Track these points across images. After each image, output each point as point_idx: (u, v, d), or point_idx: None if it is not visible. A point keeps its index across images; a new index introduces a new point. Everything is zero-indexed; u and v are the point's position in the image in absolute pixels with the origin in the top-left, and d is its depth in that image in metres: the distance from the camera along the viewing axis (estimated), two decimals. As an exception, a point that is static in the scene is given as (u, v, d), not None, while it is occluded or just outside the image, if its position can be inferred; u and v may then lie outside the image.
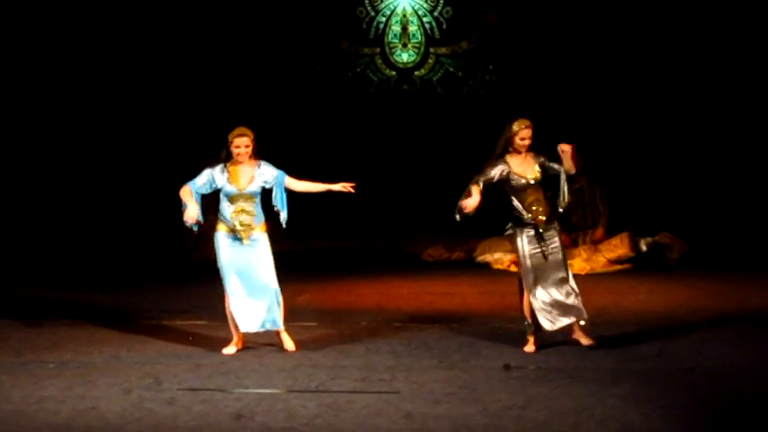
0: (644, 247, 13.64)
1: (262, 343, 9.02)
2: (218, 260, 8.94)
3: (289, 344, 8.94)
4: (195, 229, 8.87)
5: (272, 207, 8.95)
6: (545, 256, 8.67)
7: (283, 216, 8.93)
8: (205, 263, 13.91)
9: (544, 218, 8.69)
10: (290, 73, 16.81)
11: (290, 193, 9.00)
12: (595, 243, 13.60)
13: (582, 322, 8.75)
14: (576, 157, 8.64)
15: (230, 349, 8.85)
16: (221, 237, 8.89)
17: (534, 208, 8.70)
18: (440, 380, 7.67)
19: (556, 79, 16.23)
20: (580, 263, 13.16)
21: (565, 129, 15.17)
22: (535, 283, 8.64)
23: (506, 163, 8.72)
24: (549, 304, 8.62)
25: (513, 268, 13.15)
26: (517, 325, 8.99)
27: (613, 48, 16.02)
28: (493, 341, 8.95)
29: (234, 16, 16.52)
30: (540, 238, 8.69)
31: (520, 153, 8.72)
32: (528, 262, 8.68)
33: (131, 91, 16.26)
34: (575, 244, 13.67)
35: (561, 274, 8.71)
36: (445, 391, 7.36)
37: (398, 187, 16.30)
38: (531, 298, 8.64)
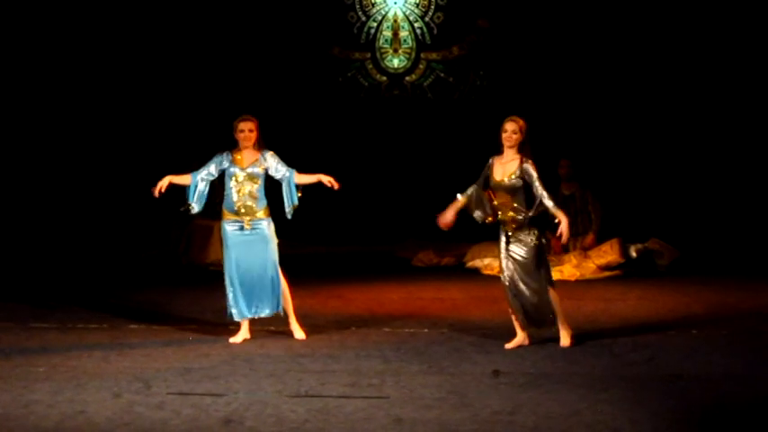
0: (634, 254, 13.64)
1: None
2: (223, 249, 9.28)
3: (298, 333, 9.30)
4: (194, 210, 9.21)
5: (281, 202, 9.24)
6: (513, 259, 8.75)
7: (290, 209, 9.22)
8: (195, 266, 13.94)
9: (513, 225, 8.74)
10: (280, 78, 16.80)
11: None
12: (585, 249, 13.60)
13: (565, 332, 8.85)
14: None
15: (236, 338, 9.26)
16: (225, 225, 9.19)
17: (500, 212, 8.79)
18: (429, 385, 7.67)
19: (547, 85, 16.24)
20: (570, 269, 13.17)
21: (556, 135, 15.33)
22: (511, 285, 8.79)
23: (491, 161, 8.80)
24: (521, 308, 8.79)
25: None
26: (507, 330, 9.00)
27: (604, 53, 16.04)
28: (483, 346, 8.94)
29: (225, 22, 16.50)
30: (507, 242, 8.75)
31: (509, 149, 8.74)
32: (503, 262, 8.82)
33: (122, 98, 16.23)
34: (565, 250, 13.67)
35: (532, 283, 8.76)
36: (435, 396, 7.36)
37: (389, 193, 16.30)
38: (510, 297, 8.80)
